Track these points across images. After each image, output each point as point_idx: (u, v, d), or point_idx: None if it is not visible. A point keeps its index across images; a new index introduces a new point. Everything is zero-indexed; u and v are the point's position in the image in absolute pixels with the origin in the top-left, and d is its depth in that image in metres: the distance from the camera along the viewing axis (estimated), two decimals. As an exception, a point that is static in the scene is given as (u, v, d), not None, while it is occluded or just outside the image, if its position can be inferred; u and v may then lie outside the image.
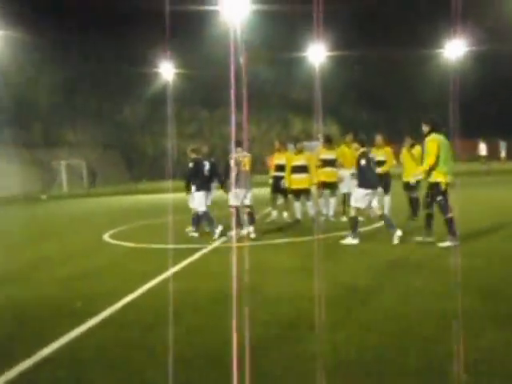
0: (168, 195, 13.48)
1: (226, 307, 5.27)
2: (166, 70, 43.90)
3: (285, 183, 11.97)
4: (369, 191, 9.03)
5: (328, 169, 11.89)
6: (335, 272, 6.45)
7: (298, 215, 12.06)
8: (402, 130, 18.69)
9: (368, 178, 9.15)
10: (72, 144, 48.35)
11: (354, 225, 8.95)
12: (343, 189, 12.00)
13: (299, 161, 11.87)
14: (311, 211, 11.96)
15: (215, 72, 42.65)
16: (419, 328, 4.37)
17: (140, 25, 44.26)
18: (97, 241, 11.10)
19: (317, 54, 40.54)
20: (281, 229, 11.33)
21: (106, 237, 11.48)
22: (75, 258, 9.23)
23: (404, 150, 11.45)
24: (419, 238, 8.52)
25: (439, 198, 8.17)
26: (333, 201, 12.06)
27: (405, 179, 11.39)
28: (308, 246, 8.97)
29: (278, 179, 12.21)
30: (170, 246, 9.43)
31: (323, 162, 11.90)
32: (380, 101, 52.04)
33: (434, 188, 8.28)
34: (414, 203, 11.11)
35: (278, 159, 12.32)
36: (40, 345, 4.36)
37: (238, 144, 10.49)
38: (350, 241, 8.82)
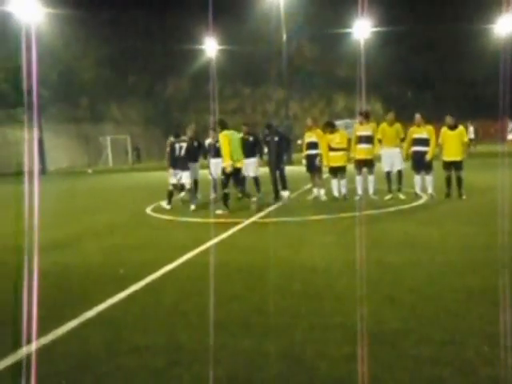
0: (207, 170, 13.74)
1: (259, 278, 5.50)
2: (210, 47, 44.06)
3: (320, 161, 12.07)
4: None
5: (363, 145, 11.79)
6: (367, 248, 6.57)
7: (336, 192, 12.16)
8: (447, 108, 18.38)
9: None
10: (117, 120, 49.35)
11: None
12: (385, 167, 11.96)
13: (335, 140, 11.92)
14: (343, 189, 12.05)
15: (258, 49, 42.71)
16: (443, 302, 4.48)
17: (184, 1, 44.42)
18: (140, 214, 11.49)
19: (361, 30, 39.86)
20: (316, 206, 11.47)
21: (149, 210, 11.86)
22: (119, 229, 9.64)
23: (444, 129, 11.35)
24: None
25: None
26: (371, 178, 12.03)
27: (446, 158, 11.33)
28: (342, 222, 9.09)
29: (310, 157, 12.28)
30: (209, 220, 9.73)
31: (359, 138, 11.86)
32: (425, 78, 50.85)
33: None
34: (460, 182, 11.12)
35: (309, 137, 12.34)
36: (85, 308, 4.67)
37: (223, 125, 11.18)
38: None
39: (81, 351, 3.83)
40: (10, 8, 30.83)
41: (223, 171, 10.85)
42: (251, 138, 12.79)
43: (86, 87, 47.54)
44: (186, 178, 11.86)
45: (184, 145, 11.90)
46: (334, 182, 12.18)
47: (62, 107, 44.22)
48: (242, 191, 11.60)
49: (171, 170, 11.90)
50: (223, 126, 11.03)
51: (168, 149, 12.20)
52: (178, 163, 11.81)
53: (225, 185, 10.83)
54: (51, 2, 33.12)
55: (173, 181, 11.90)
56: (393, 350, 3.58)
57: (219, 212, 10.61)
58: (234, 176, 10.92)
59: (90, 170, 35.20)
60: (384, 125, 11.97)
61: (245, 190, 11.78)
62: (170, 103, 54.44)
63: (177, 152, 11.85)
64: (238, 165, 10.85)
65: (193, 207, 11.53)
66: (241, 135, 12.01)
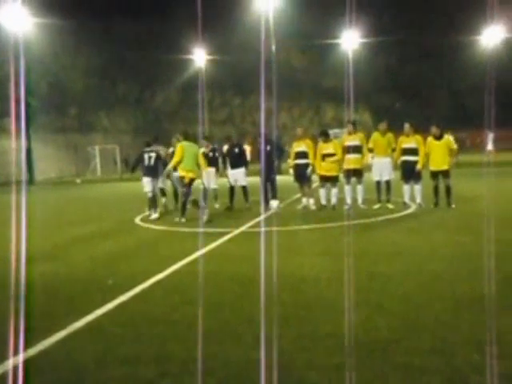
0: (198, 180, 13.73)
1: (248, 288, 5.49)
2: (199, 57, 44.15)
3: (310, 170, 12.11)
4: None
5: (351, 155, 11.84)
6: (356, 257, 6.59)
7: (324, 201, 12.20)
8: (435, 118, 18.56)
9: None
10: (106, 129, 49.23)
11: None
12: (375, 176, 12.03)
13: (328, 149, 11.96)
14: (333, 199, 12.09)
15: (247, 59, 42.84)
16: (434, 311, 4.50)
17: (173, 11, 44.60)
18: (128, 223, 11.45)
19: (350, 40, 40.16)
20: (306, 215, 11.50)
21: (138, 220, 11.82)
22: (108, 239, 9.58)
23: (429, 139, 11.47)
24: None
25: None
26: (360, 188, 12.07)
27: (433, 168, 11.42)
28: (331, 232, 9.13)
29: (299, 167, 12.30)
30: (198, 230, 9.71)
31: (347, 148, 11.91)
32: (414, 88, 51.30)
33: None
34: (448, 191, 11.21)
35: (298, 147, 12.36)
36: (73, 318, 4.63)
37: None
38: None
39: (69, 362, 3.79)
40: (-2, 18, 30.73)
41: (182, 181, 11.34)
42: (211, 154, 13.38)
43: (74, 97, 47.42)
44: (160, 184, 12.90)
45: (153, 154, 12.38)
46: (323, 191, 12.23)
47: (51, 117, 44.03)
48: (185, 203, 11.39)
49: (144, 179, 12.44)
50: (185, 136, 11.73)
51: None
52: (149, 172, 12.39)
53: (186, 194, 11.25)
54: (40, 12, 33.06)
55: (146, 189, 12.39)
56: (383, 359, 3.59)
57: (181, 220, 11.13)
58: (190, 184, 11.31)
59: (78, 180, 35.03)
60: (376, 134, 12.04)
61: (187, 199, 11.41)
62: (160, 113, 54.42)
63: (146, 161, 12.38)
64: (190, 175, 11.26)
65: (154, 216, 12.10)
66: (201, 149, 12.63)
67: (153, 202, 12.36)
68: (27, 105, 33.86)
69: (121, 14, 45.45)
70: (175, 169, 11.55)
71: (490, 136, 32.10)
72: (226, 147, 13.65)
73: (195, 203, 11.35)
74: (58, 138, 43.91)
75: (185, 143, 11.42)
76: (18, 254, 6.99)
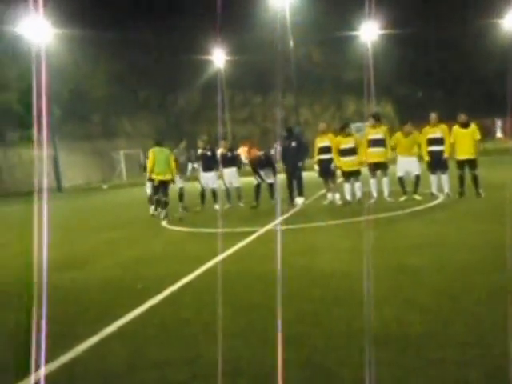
0: (219, 181, 13.87)
1: (277, 286, 5.44)
2: (218, 57, 44.29)
3: (334, 165, 12.03)
4: None
5: (375, 149, 11.71)
6: (385, 251, 6.51)
7: (348, 197, 12.10)
8: (459, 106, 18.25)
9: None
10: (129, 134, 49.71)
11: None
12: (399, 172, 11.89)
13: (348, 143, 11.86)
14: (358, 193, 11.99)
15: (266, 56, 42.81)
16: (466, 303, 4.41)
17: (191, 14, 44.78)
18: (155, 227, 11.52)
19: (369, 32, 39.82)
20: (331, 210, 11.43)
21: (164, 223, 11.89)
22: (135, 243, 9.65)
23: (455, 127, 11.27)
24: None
25: None
26: (386, 180, 11.94)
27: (459, 157, 11.23)
28: (358, 227, 9.04)
29: (323, 162, 12.22)
30: (224, 230, 9.72)
31: (370, 142, 11.77)
32: (435, 78, 50.55)
33: None
34: (476, 180, 11.02)
35: (321, 142, 12.28)
36: (104, 323, 4.66)
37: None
38: None
39: (101, 368, 3.81)
40: (20, 30, 31.29)
41: (152, 183, 12.64)
42: (209, 153, 13.66)
43: (97, 104, 47.99)
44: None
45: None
46: (347, 186, 12.13)
47: (75, 124, 44.65)
48: (158, 200, 12.66)
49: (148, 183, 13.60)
50: (156, 142, 12.81)
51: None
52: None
53: (155, 193, 12.64)
54: (60, 23, 33.56)
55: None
56: (416, 354, 3.52)
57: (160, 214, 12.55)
58: (162, 186, 12.45)
59: (104, 186, 35.45)
60: (399, 135, 11.89)
61: (163, 199, 12.63)
62: (181, 115, 54.74)
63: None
64: (160, 177, 12.40)
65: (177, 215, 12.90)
66: (219, 150, 13.86)
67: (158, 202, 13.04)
68: (51, 114, 34.37)
69: (138, 20, 45.78)
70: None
71: (498, 123, 31.56)
72: (199, 150, 13.90)
73: (161, 203, 12.58)
74: (83, 145, 44.50)
75: (156, 149, 12.52)
76: (48, 261, 7.08)
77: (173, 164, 12.74)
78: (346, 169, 11.94)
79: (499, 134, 30.85)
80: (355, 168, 11.91)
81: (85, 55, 43.61)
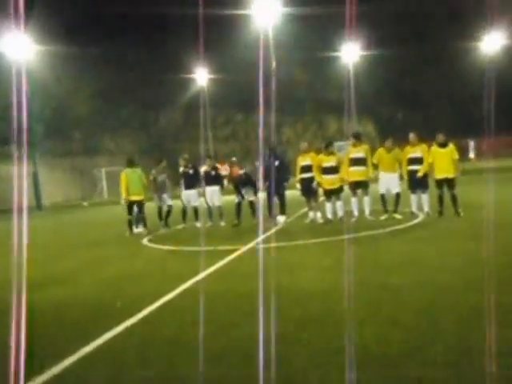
0: (203, 199, 13.87)
1: (257, 306, 5.42)
2: (201, 76, 44.47)
3: (316, 184, 12.09)
4: None
5: (356, 168, 11.80)
6: (366, 270, 6.53)
7: (330, 215, 12.15)
8: (437, 127, 18.52)
9: None
10: (112, 151, 49.42)
11: None
12: (381, 189, 11.99)
13: (330, 162, 11.95)
14: (340, 212, 12.05)
15: (249, 75, 43.10)
16: (447, 323, 4.42)
17: (174, 32, 45.00)
18: (135, 245, 11.43)
19: (350, 53, 40.38)
20: (313, 229, 11.45)
21: (145, 241, 11.80)
22: (115, 261, 9.56)
23: (434, 147, 11.44)
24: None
25: None
26: (367, 199, 12.03)
27: (438, 176, 11.37)
28: (340, 245, 9.06)
29: (305, 181, 12.29)
30: (206, 248, 9.67)
31: (352, 160, 11.87)
32: (416, 99, 51.35)
33: None
34: (454, 199, 11.15)
35: (303, 161, 12.37)
36: (82, 343, 4.59)
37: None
38: None
39: (79, 388, 3.75)
40: (1, 46, 31.11)
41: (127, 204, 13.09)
42: (191, 171, 13.76)
43: (79, 121, 47.75)
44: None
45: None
46: (329, 205, 12.19)
47: (56, 141, 44.32)
48: (131, 220, 13.23)
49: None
50: (128, 164, 13.24)
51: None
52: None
53: (129, 213, 13.14)
54: (42, 40, 33.45)
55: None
56: (397, 373, 3.53)
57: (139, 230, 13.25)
58: (138, 205, 13.12)
59: (85, 203, 35.13)
60: (381, 150, 12.02)
61: (139, 218, 13.41)
62: (164, 133, 54.66)
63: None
64: (135, 198, 12.97)
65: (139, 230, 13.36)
66: (202, 167, 13.93)
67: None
68: (31, 131, 34.08)
69: (121, 38, 45.84)
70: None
71: (471, 144, 32.06)
72: (181, 168, 13.99)
73: (133, 222, 13.22)
74: (63, 162, 44.14)
75: (127, 170, 13.05)
76: (26, 279, 6.97)
77: (145, 182, 13.23)
78: (328, 187, 12.01)
79: (471, 155, 31.29)
80: (336, 186, 11.98)
81: (67, 72, 43.46)
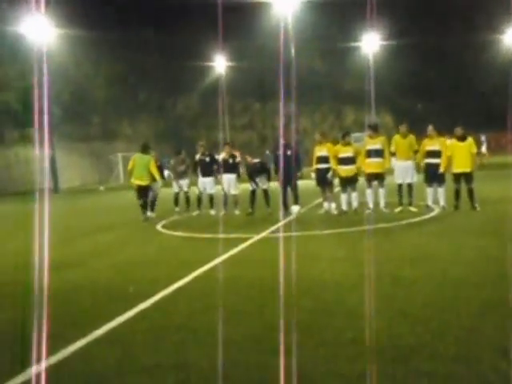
0: (219, 186, 13.90)
1: (269, 294, 5.44)
2: (219, 63, 44.38)
3: (331, 175, 12.04)
4: None
5: (373, 159, 11.68)
6: (379, 262, 6.50)
7: (344, 206, 12.09)
8: (458, 119, 18.29)
9: None
10: (128, 137, 49.65)
11: None
12: (398, 179, 11.89)
13: (347, 152, 11.87)
14: (355, 203, 11.98)
15: (267, 64, 42.94)
16: (458, 317, 4.40)
17: (194, 19, 44.88)
18: (150, 230, 11.50)
19: (370, 43, 39.97)
20: (327, 220, 11.42)
21: (159, 226, 11.87)
22: (130, 246, 9.63)
23: (452, 141, 11.29)
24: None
25: None
26: (382, 191, 11.94)
27: (456, 170, 11.25)
28: (353, 237, 9.03)
29: (320, 171, 12.24)
30: (220, 236, 9.70)
31: (368, 152, 11.78)
32: (435, 90, 50.73)
33: None
34: (471, 193, 11.04)
35: (320, 151, 12.31)
36: (94, 326, 4.64)
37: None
38: None
39: (89, 371, 3.79)
40: (21, 29, 31.29)
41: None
42: (207, 159, 13.81)
43: (97, 105, 47.98)
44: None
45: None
46: (344, 196, 12.13)
47: (74, 125, 44.58)
48: (142, 204, 13.35)
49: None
50: (141, 149, 13.49)
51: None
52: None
53: (138, 198, 13.36)
54: (62, 23, 33.54)
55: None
56: (406, 367, 3.51)
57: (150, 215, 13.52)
58: (142, 190, 13.22)
59: (102, 188, 35.38)
60: (397, 137, 11.91)
61: (145, 203, 13.42)
62: (181, 119, 54.73)
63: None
64: (137, 182, 13.18)
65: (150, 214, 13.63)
66: (220, 155, 13.87)
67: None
68: (51, 114, 34.35)
69: (141, 23, 45.86)
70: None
71: (483, 139, 31.46)
72: (197, 156, 14.03)
73: (142, 207, 13.31)
74: (81, 147, 44.46)
75: (137, 155, 13.37)
76: (40, 262, 7.07)
77: (153, 170, 13.24)
78: (344, 174, 11.90)
79: (483, 149, 30.64)
80: (352, 174, 11.87)
81: (86, 56, 43.64)
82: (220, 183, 13.80)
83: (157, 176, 13.42)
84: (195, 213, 13.79)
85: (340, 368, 3.56)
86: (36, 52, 29.32)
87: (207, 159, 13.80)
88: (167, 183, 14.90)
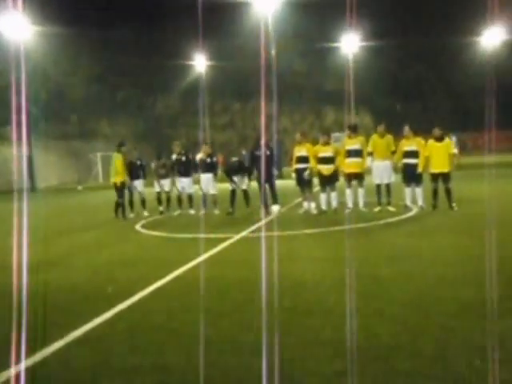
0: (197, 186, 13.87)
1: (248, 294, 5.43)
2: (199, 62, 44.22)
3: (309, 174, 12.08)
4: None
5: (352, 159, 11.79)
6: (358, 262, 6.53)
7: (324, 206, 12.15)
8: (436, 120, 18.50)
9: None
10: (108, 136, 49.23)
11: None
12: (376, 180, 11.98)
13: (326, 152, 11.93)
14: (334, 202, 12.04)
15: (248, 63, 42.95)
16: (436, 316, 4.44)
17: (173, 18, 44.70)
18: (129, 230, 11.41)
19: (350, 44, 40.20)
20: (307, 219, 11.46)
21: (138, 226, 11.78)
22: (108, 246, 9.54)
23: (430, 141, 11.42)
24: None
25: None
26: (361, 191, 12.03)
27: (433, 170, 11.37)
28: (332, 236, 9.07)
29: (300, 171, 12.28)
30: (200, 236, 9.67)
31: (348, 152, 11.86)
32: (414, 91, 51.26)
33: None
34: (448, 193, 11.17)
35: (299, 151, 12.36)
36: (71, 327, 4.58)
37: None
38: None
39: (67, 373, 3.75)
40: (-2, 26, 30.80)
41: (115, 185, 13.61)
42: (183, 158, 13.82)
43: (75, 104, 47.48)
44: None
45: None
46: (323, 196, 12.18)
47: (52, 124, 44.05)
48: (116, 202, 13.73)
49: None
50: (116, 147, 13.95)
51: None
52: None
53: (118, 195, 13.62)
54: (40, 21, 33.11)
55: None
56: (384, 365, 3.53)
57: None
58: (116, 188, 13.60)
59: (80, 187, 35.02)
60: (375, 136, 12.00)
61: (121, 201, 13.74)
62: (161, 119, 54.46)
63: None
64: (112, 180, 13.72)
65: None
66: (198, 155, 13.81)
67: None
68: (28, 112, 33.88)
69: (121, 21, 45.49)
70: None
71: (454, 139, 31.87)
72: (173, 156, 14.06)
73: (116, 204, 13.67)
74: (59, 145, 43.92)
75: (114, 154, 13.88)
76: (18, 262, 6.95)
77: (118, 165, 13.57)
78: (325, 173, 11.92)
79: (455, 150, 30.94)
80: (332, 172, 11.92)
81: (64, 54, 43.14)
82: (198, 182, 13.77)
83: (120, 171, 13.60)
84: (176, 212, 13.74)
85: (319, 367, 3.56)
86: (13, 50, 28.89)
87: (183, 158, 13.79)
88: (148, 183, 14.80)
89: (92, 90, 48.49)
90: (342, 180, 12.31)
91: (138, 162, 14.13)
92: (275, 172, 12.65)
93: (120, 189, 13.58)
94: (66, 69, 46.07)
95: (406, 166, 11.59)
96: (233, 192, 13.07)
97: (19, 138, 33.87)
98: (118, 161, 13.57)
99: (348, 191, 12.07)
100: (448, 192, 11.23)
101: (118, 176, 13.53)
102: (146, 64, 47.74)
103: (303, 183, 12.31)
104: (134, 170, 13.93)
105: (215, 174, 13.58)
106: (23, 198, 23.44)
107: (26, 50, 31.47)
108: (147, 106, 54.84)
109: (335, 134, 37.07)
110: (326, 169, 11.89)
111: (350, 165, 11.82)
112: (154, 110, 55.33)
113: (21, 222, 9.67)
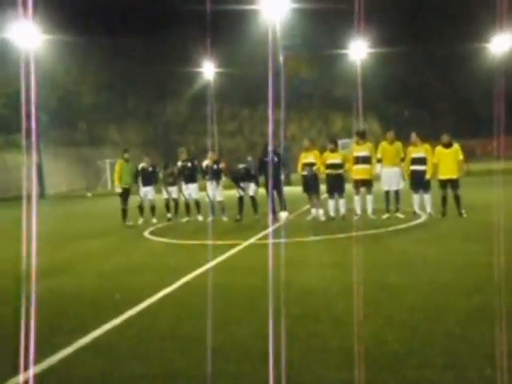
0: (203, 193, 13.90)
1: (256, 301, 5.42)
2: (208, 70, 44.39)
3: (312, 170, 12.06)
4: None
5: (360, 166, 11.78)
6: (366, 269, 6.51)
7: (332, 213, 12.13)
8: (444, 126, 18.45)
9: None
10: (116, 143, 49.47)
11: None
12: (384, 186, 11.94)
13: (335, 159, 11.92)
14: (342, 209, 12.01)
15: (256, 71, 43.05)
16: (445, 324, 4.40)
17: (182, 26, 44.92)
18: (137, 237, 11.44)
19: (358, 51, 40.21)
20: (315, 226, 11.43)
21: (147, 233, 11.81)
22: (116, 253, 9.57)
23: (438, 148, 11.38)
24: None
25: None
26: (370, 198, 12.00)
27: (442, 177, 11.32)
28: (341, 243, 9.04)
29: (307, 178, 12.27)
30: (207, 242, 9.67)
31: (356, 159, 11.85)
32: (422, 97, 51.14)
33: None
34: (458, 200, 11.11)
35: (306, 158, 12.35)
36: (80, 334, 4.59)
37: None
38: None
39: (75, 379, 3.75)
40: (9, 35, 31.12)
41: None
42: (189, 164, 13.90)
43: (85, 111, 47.80)
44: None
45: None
46: (331, 203, 12.16)
47: (62, 131, 44.38)
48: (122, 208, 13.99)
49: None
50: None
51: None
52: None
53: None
54: (50, 30, 33.42)
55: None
56: (393, 374, 3.51)
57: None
58: (121, 195, 13.90)
59: (89, 194, 35.20)
60: (384, 143, 11.97)
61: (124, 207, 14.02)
62: (169, 126, 54.68)
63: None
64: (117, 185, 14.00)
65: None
66: (204, 162, 13.87)
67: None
68: (38, 120, 34.14)
69: (130, 29, 45.79)
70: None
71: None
72: (179, 163, 14.17)
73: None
74: (68, 152, 44.23)
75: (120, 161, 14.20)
76: (27, 269, 6.98)
77: (117, 173, 14.01)
78: (331, 178, 11.92)
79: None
80: (339, 177, 11.93)
81: (74, 62, 43.47)
82: (204, 189, 13.82)
83: (117, 176, 13.99)
84: (185, 219, 13.78)
85: (328, 375, 3.54)
86: (23, 58, 29.15)
87: (189, 165, 13.84)
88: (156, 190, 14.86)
89: (101, 97, 48.81)
90: (349, 187, 12.28)
91: (150, 169, 14.17)
92: (282, 176, 12.62)
93: (123, 195, 13.84)
94: (75, 76, 46.42)
95: (414, 172, 11.55)
96: (240, 199, 13.07)
97: (29, 145, 34.12)
98: (116, 166, 14.02)
99: (356, 198, 12.03)
100: (457, 199, 11.17)
101: (125, 183, 13.87)
102: (155, 71, 47.98)
103: (311, 190, 12.30)
104: (146, 177, 13.96)
105: (220, 181, 13.61)
106: (32, 204, 23.56)
107: (36, 57, 31.76)
108: (156, 113, 55.10)
109: (343, 141, 37.11)
110: (335, 174, 11.89)
111: (358, 171, 11.80)
112: (163, 116, 55.56)
113: (30, 229, 9.72)
